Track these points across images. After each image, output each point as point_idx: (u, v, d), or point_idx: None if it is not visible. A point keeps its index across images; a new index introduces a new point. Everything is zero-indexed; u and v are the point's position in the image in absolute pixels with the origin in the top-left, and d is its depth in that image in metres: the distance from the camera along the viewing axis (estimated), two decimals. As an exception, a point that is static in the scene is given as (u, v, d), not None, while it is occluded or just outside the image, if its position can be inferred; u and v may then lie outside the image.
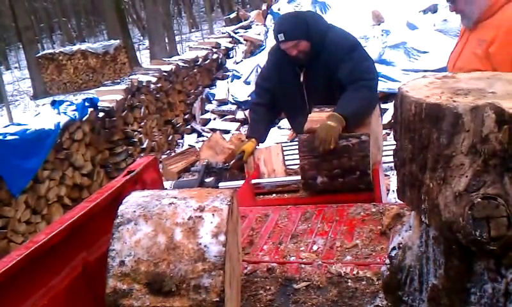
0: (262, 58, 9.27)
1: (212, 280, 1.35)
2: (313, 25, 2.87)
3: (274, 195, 2.95)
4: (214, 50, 10.14)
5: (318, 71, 2.90)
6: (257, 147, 3.15)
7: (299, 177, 2.81)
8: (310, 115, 2.80)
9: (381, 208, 2.33)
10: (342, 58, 2.83)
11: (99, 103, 6.26)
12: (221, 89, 9.20)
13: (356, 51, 2.93)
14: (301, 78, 2.97)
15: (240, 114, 8.32)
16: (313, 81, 2.95)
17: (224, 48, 10.52)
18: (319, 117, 2.73)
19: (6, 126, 5.11)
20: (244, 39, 10.65)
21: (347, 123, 2.66)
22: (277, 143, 3.94)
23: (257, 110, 3.26)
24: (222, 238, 1.39)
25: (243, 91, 8.70)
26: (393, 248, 1.29)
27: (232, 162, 3.09)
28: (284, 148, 3.36)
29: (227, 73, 9.70)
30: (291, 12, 3.39)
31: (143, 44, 22.21)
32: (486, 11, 2.35)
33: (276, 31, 2.90)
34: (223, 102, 8.89)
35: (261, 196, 3.00)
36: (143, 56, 18.37)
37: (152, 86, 7.75)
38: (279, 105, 3.25)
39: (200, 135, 8.42)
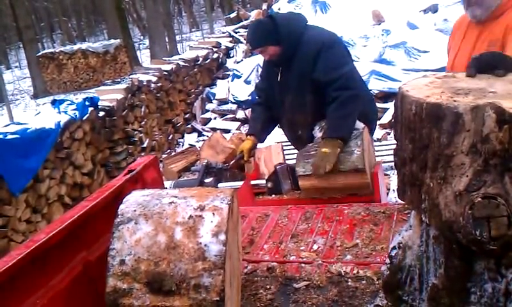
0: (261, 58, 9.23)
1: (212, 279, 1.35)
2: (284, 28, 2.83)
3: (273, 195, 2.94)
4: (215, 49, 10.13)
5: (292, 71, 2.90)
6: (257, 145, 3.15)
7: None
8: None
9: (381, 208, 2.33)
10: (315, 56, 2.78)
11: (99, 103, 6.26)
12: (221, 89, 9.19)
13: (332, 48, 2.83)
14: (279, 78, 2.99)
15: (240, 114, 8.31)
16: (287, 81, 2.94)
17: (224, 47, 10.51)
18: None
19: (6, 126, 5.10)
20: (245, 39, 10.64)
21: (343, 141, 2.64)
22: (277, 143, 3.94)
23: (255, 109, 3.37)
24: (222, 237, 1.39)
25: (243, 91, 8.69)
26: (394, 247, 1.29)
27: (231, 162, 3.10)
28: (284, 148, 3.37)
29: (227, 73, 9.69)
30: (258, 19, 3.41)
31: (144, 43, 22.21)
32: (497, 9, 2.41)
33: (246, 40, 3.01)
34: (223, 102, 8.88)
35: (260, 196, 3.00)
36: (144, 56, 18.37)
37: (153, 85, 7.74)
38: None
39: (200, 134, 8.41)
